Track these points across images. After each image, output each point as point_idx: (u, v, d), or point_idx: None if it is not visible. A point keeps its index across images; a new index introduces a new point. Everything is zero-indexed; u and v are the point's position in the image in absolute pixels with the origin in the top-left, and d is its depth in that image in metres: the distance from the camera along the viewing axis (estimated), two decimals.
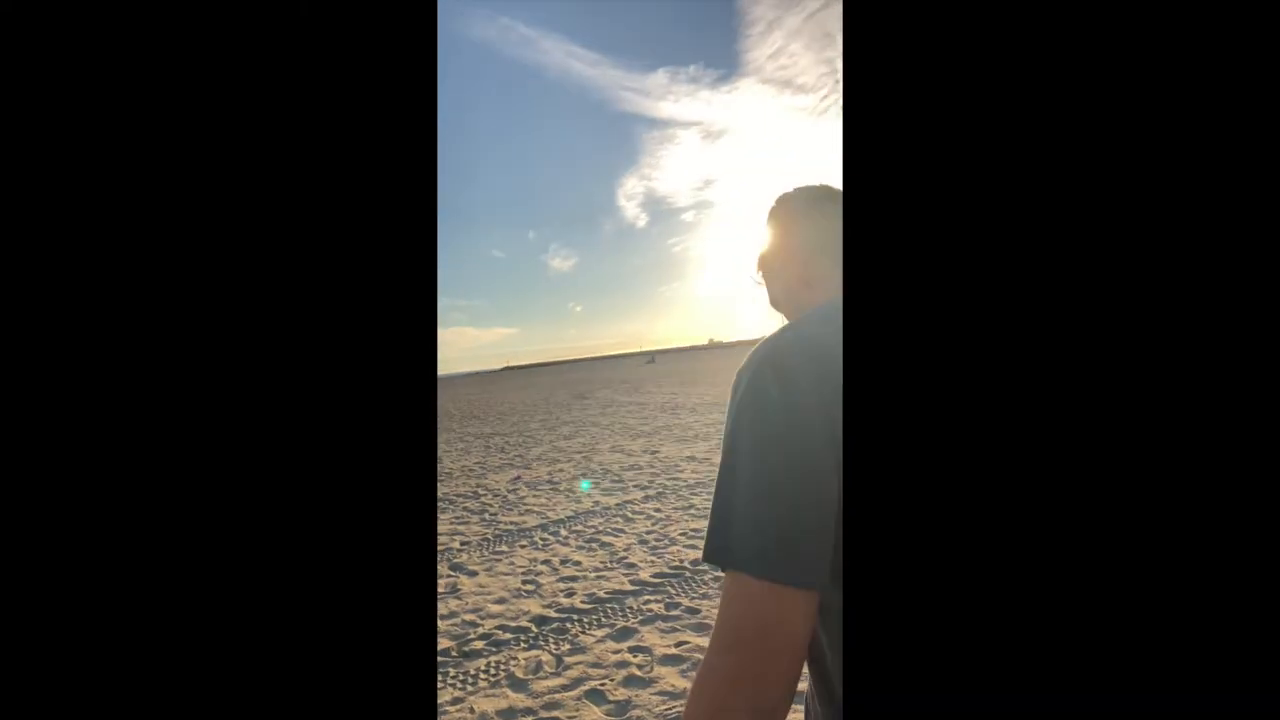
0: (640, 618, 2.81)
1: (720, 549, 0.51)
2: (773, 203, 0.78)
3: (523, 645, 2.66)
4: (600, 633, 2.70)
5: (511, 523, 4.70)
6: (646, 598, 3.02)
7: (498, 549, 4.07)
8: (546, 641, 2.67)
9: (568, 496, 5.39)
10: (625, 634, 2.67)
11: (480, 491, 5.98)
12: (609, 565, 3.54)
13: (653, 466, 6.34)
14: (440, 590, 3.41)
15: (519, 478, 6.46)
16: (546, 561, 3.71)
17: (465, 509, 5.33)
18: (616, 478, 5.96)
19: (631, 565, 3.50)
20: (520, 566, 3.67)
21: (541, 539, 4.19)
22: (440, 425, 13.36)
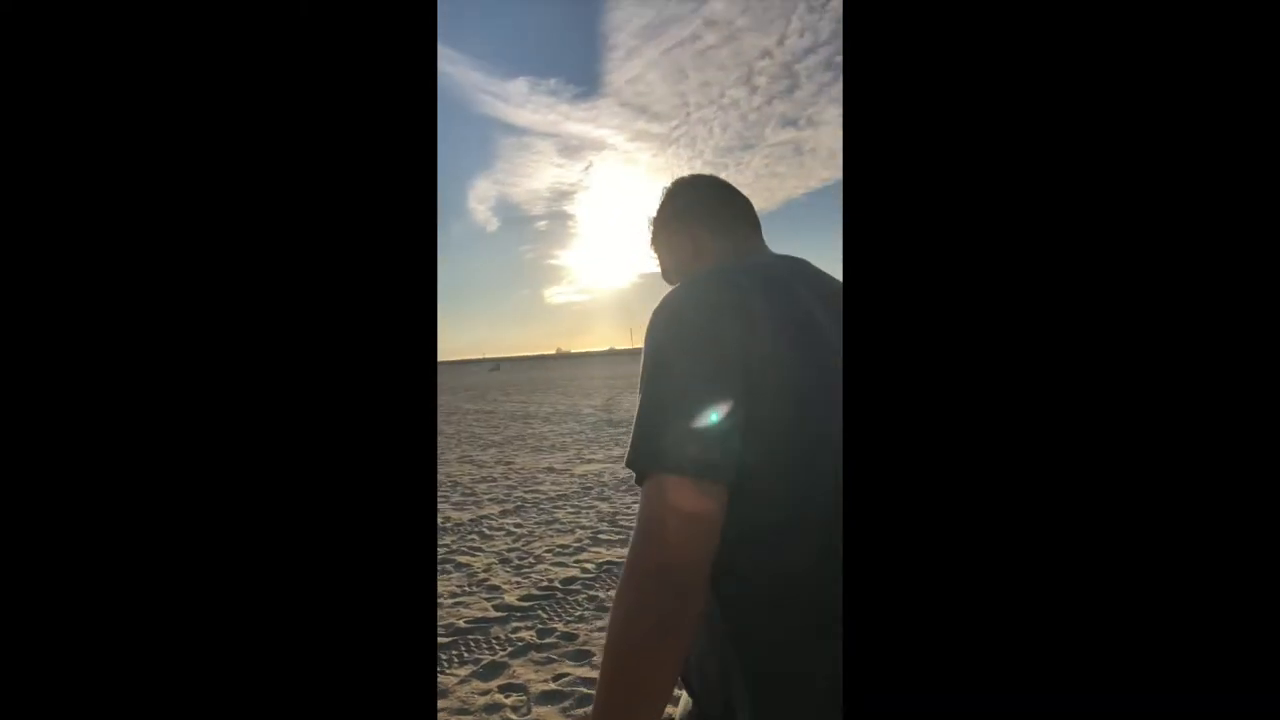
0: (509, 649, 2.48)
1: (651, 455, 0.56)
2: (667, 187, 0.88)
3: None
4: (463, 671, 2.33)
5: None
6: (515, 625, 2.69)
7: None
8: None
9: None
10: (493, 670, 2.33)
11: None
12: (467, 589, 3.14)
13: (508, 479, 5.94)
14: None
15: None
16: None
17: None
18: (468, 490, 5.48)
19: (494, 588, 3.13)
20: None
21: None
22: None
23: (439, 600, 3.01)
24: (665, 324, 0.62)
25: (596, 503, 4.75)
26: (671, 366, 0.59)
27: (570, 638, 2.54)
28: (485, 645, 2.52)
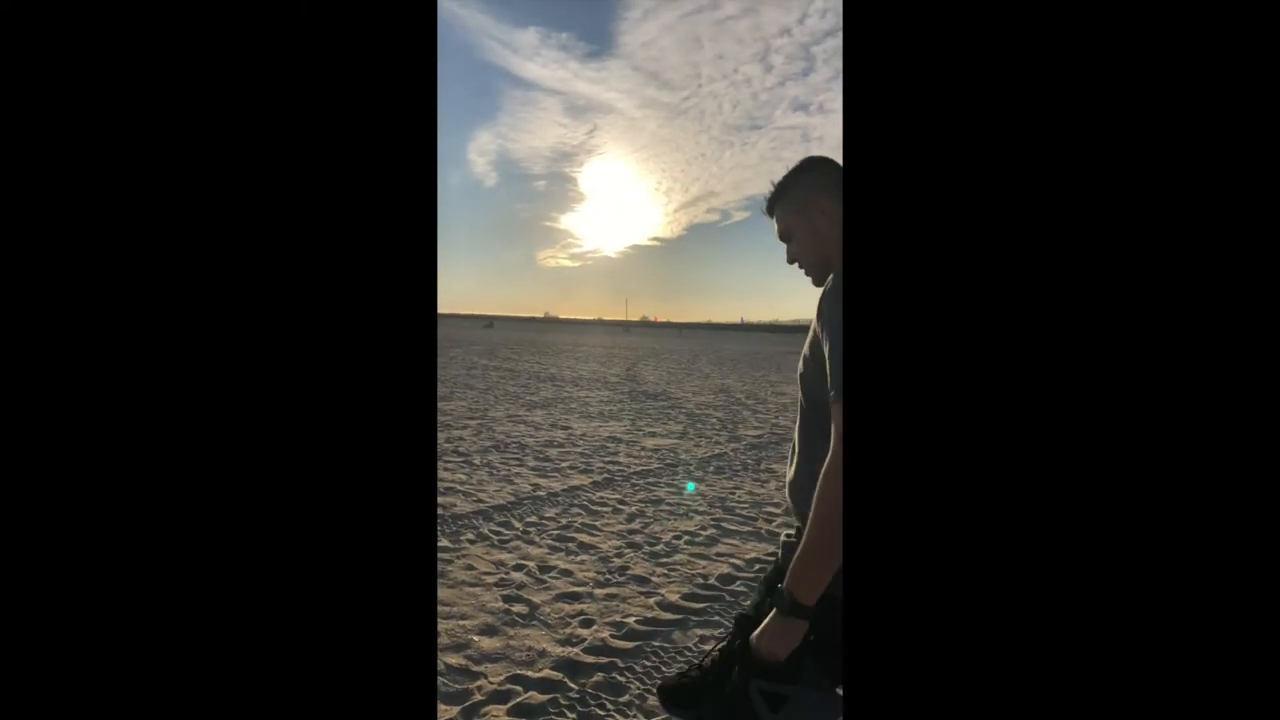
0: None
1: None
2: (796, 169, 0.94)
3: (570, 718, 1.76)
4: None
5: (438, 505, 3.60)
6: (697, 631, 2.26)
7: (439, 543, 3.00)
8: (603, 711, 1.80)
9: (491, 474, 4.35)
10: None
11: None
12: (610, 577, 2.70)
13: (575, 445, 5.48)
14: None
15: None
16: (520, 566, 2.76)
17: None
18: (541, 455, 5.02)
19: (642, 580, 2.69)
20: (487, 573, 2.67)
21: (492, 532, 3.19)
22: None
23: (584, 589, 2.56)
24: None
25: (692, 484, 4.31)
26: None
27: None
28: (678, 657, 2.08)
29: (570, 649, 2.09)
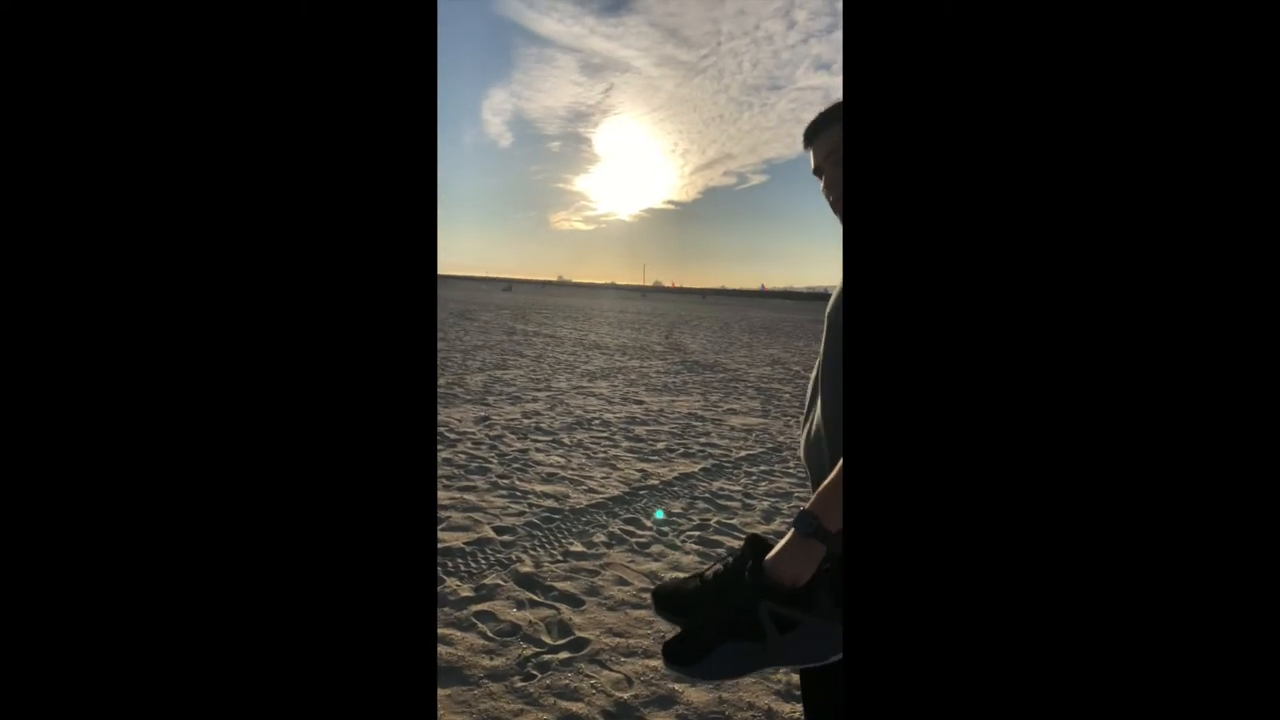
0: None
1: None
2: (832, 112, 0.93)
3: None
4: None
5: (546, 495, 3.18)
6: None
7: (569, 547, 2.59)
8: None
9: (589, 456, 3.94)
10: None
11: (449, 434, 4.28)
12: None
13: (659, 422, 5.05)
14: (548, 640, 1.91)
15: (488, 419, 4.81)
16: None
17: (450, 463, 3.66)
18: (629, 434, 4.59)
19: None
20: (644, 590, 2.26)
21: (623, 531, 2.78)
22: None
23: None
24: None
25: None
26: None
27: None
28: None
29: (796, 706, 1.67)
